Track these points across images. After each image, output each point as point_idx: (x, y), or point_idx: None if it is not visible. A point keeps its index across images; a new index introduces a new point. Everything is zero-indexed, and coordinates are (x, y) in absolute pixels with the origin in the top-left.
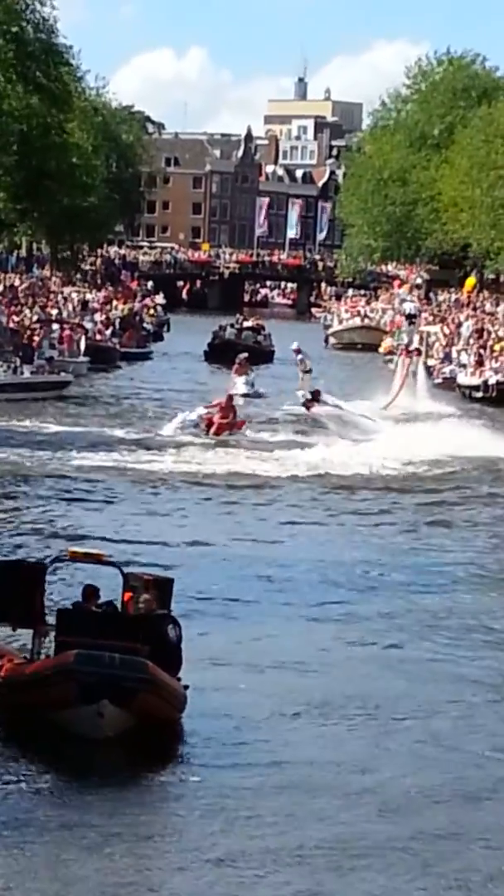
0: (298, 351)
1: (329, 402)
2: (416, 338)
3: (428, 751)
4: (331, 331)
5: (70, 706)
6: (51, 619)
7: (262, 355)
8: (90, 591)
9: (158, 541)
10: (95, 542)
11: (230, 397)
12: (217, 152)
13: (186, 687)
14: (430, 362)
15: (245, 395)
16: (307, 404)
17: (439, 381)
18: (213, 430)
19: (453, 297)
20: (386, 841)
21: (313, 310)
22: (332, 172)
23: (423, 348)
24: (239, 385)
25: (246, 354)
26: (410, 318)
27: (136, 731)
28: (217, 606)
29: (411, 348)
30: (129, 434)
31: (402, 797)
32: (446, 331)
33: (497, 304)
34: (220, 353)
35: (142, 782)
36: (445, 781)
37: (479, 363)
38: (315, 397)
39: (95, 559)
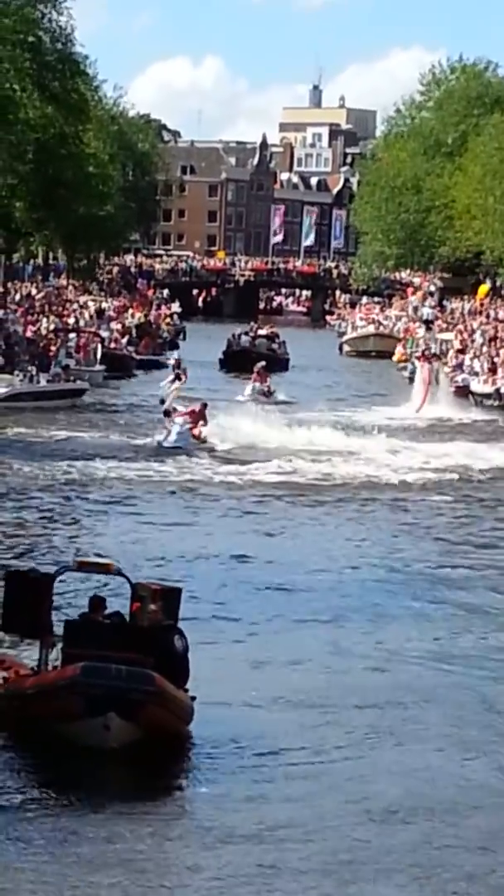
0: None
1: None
2: (433, 343)
3: (440, 762)
4: (345, 338)
5: (77, 718)
6: (59, 630)
7: (276, 363)
8: (97, 602)
9: (169, 549)
10: (107, 550)
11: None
12: (232, 160)
13: (194, 698)
14: (444, 370)
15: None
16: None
17: (452, 388)
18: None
19: (466, 304)
20: (391, 854)
21: (328, 317)
22: (347, 180)
23: (440, 354)
24: (247, 390)
25: (264, 363)
26: (428, 323)
27: (143, 743)
28: (226, 616)
29: (429, 353)
30: (141, 442)
31: (411, 810)
32: (459, 339)
33: None
34: (235, 362)
35: (148, 794)
36: (455, 793)
37: (493, 371)
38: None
39: (103, 569)
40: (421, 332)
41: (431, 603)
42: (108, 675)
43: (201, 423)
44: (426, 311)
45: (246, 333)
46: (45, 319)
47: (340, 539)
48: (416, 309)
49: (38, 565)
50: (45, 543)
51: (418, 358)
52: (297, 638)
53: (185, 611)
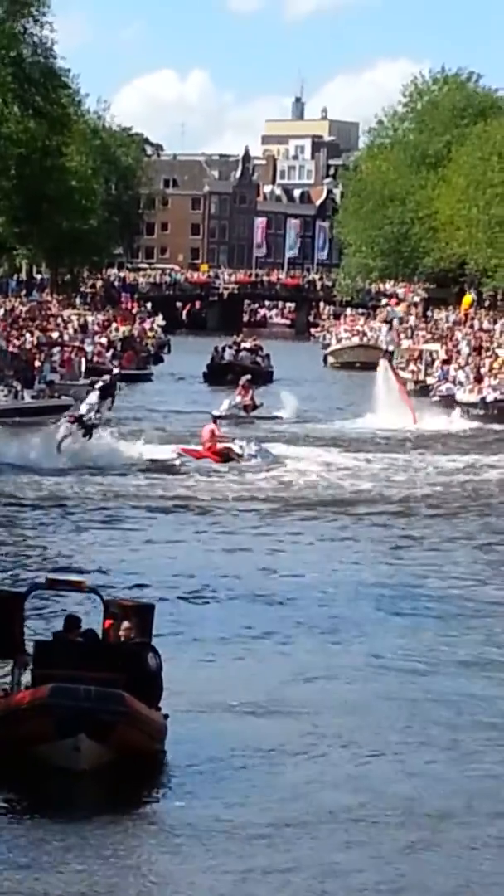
0: None
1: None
2: (391, 345)
3: (424, 770)
4: (329, 350)
5: (47, 740)
6: (31, 649)
7: (260, 376)
8: (72, 622)
9: (147, 565)
10: (84, 567)
11: (214, 424)
12: (215, 173)
13: (166, 716)
14: (429, 380)
15: (220, 417)
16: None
17: (437, 398)
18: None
19: (451, 315)
20: (372, 864)
21: (312, 329)
22: (330, 192)
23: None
24: (223, 405)
25: (249, 377)
26: (388, 322)
27: (115, 763)
28: (200, 633)
29: (387, 354)
30: (125, 458)
31: (394, 821)
32: (445, 349)
33: (494, 322)
34: (219, 375)
35: (121, 813)
36: (442, 801)
37: (478, 380)
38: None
39: (75, 586)
40: (384, 330)
41: (415, 614)
42: (78, 697)
43: (214, 447)
44: (389, 311)
45: (230, 346)
46: (28, 334)
47: (324, 553)
48: (401, 320)
49: (12, 583)
50: (21, 560)
51: (384, 356)
52: (274, 654)
53: (159, 627)
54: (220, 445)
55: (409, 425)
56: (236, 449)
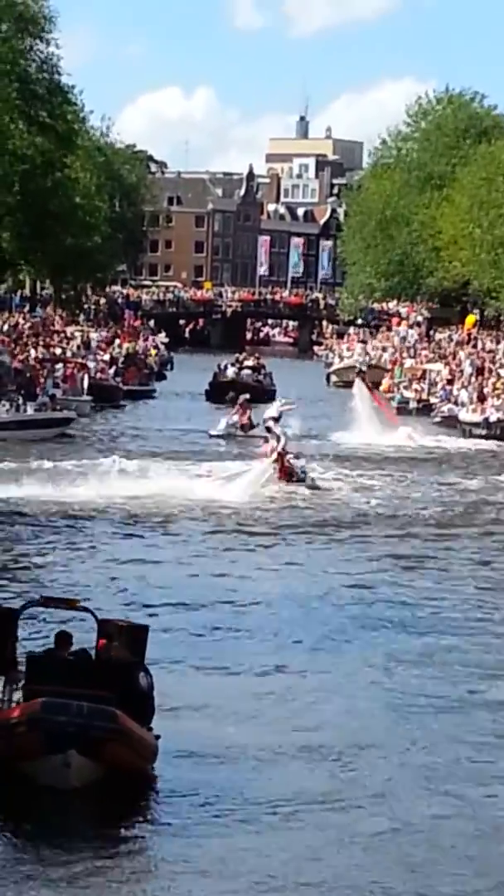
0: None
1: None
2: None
3: (413, 793)
4: (332, 369)
5: (37, 756)
6: (23, 666)
7: (263, 394)
8: (63, 638)
9: (141, 584)
10: (82, 584)
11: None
12: (219, 191)
13: (158, 737)
14: (432, 400)
15: (217, 436)
16: None
17: (439, 418)
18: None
19: (454, 334)
20: (363, 889)
21: (315, 348)
22: (334, 211)
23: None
24: (220, 424)
25: (247, 396)
26: (363, 342)
27: (105, 781)
28: (194, 652)
29: (362, 371)
30: (124, 474)
31: (381, 839)
32: (448, 369)
33: (497, 343)
34: (221, 393)
35: (110, 835)
36: (428, 820)
37: (481, 400)
38: None
39: (69, 605)
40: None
41: (415, 631)
42: (69, 712)
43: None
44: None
45: (232, 364)
46: (32, 350)
47: (315, 570)
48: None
49: (6, 599)
50: (18, 576)
51: (358, 376)
52: (269, 675)
53: (153, 647)
54: (287, 465)
55: (398, 440)
56: (298, 471)
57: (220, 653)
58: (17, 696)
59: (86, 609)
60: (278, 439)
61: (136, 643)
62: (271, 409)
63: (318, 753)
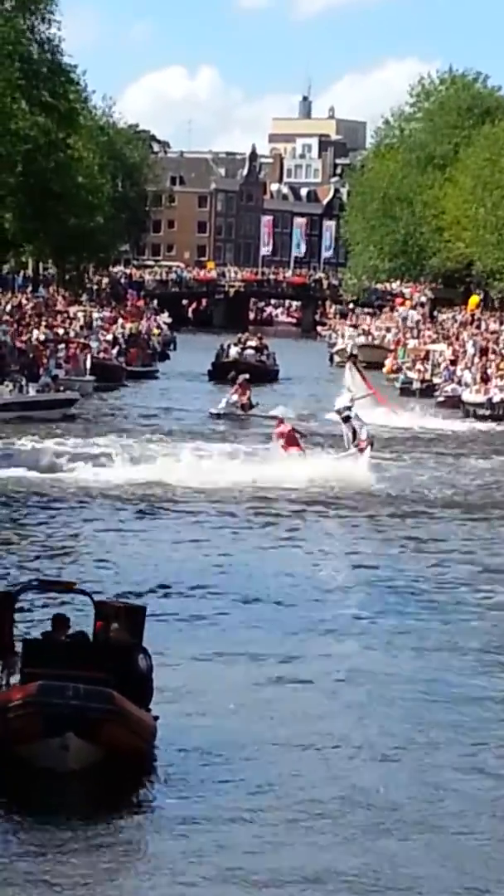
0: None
1: None
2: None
3: (420, 778)
4: (335, 349)
5: (34, 739)
6: (20, 649)
7: (265, 374)
8: (60, 621)
9: (135, 565)
10: (80, 566)
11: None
12: (222, 171)
13: (157, 718)
14: (436, 380)
15: (218, 416)
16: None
17: (442, 399)
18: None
19: (457, 315)
20: (363, 869)
21: (318, 328)
22: (337, 191)
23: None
24: (221, 403)
25: (247, 375)
26: (354, 327)
27: (103, 763)
28: (193, 633)
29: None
30: (124, 454)
31: (385, 826)
32: (451, 349)
33: (501, 323)
34: (224, 373)
35: (108, 818)
36: (426, 807)
37: (485, 381)
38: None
39: (65, 587)
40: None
41: (418, 619)
42: (66, 694)
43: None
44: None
45: (235, 344)
46: (35, 330)
47: (330, 554)
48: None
49: (7, 582)
50: (16, 557)
51: (349, 359)
52: (269, 656)
53: (150, 628)
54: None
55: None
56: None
57: (221, 635)
58: (15, 679)
59: (83, 591)
60: (355, 431)
61: (134, 625)
62: (343, 399)
63: (324, 737)
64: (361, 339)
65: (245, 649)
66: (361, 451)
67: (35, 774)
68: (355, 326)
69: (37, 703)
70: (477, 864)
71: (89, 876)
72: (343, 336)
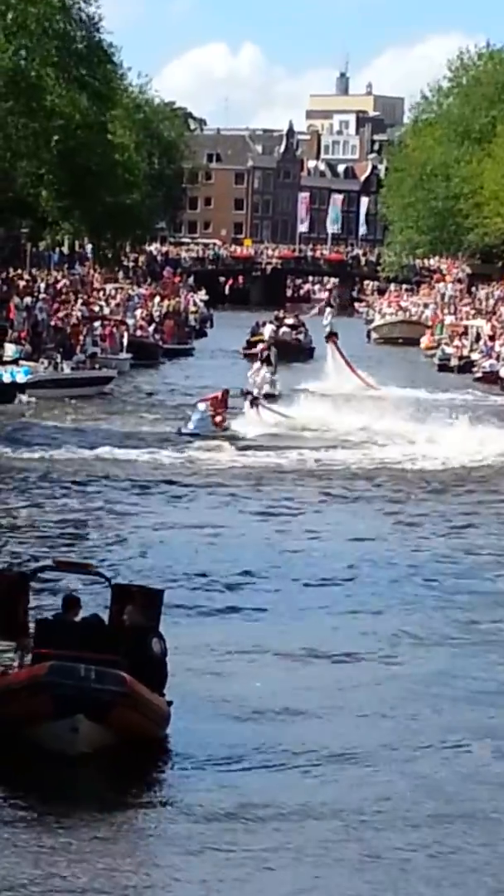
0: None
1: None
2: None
3: (430, 769)
4: (372, 325)
5: (44, 720)
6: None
7: (301, 352)
8: (72, 602)
9: (151, 547)
10: (104, 547)
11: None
12: (259, 148)
13: (170, 703)
14: (474, 356)
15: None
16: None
17: (480, 374)
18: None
19: (496, 290)
20: (373, 862)
21: (356, 304)
22: (375, 167)
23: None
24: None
25: (263, 346)
26: (331, 306)
27: (114, 747)
28: (210, 619)
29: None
30: (158, 433)
31: (391, 825)
32: (489, 325)
33: None
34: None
35: (117, 802)
36: (447, 811)
37: None
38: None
39: (82, 568)
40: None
41: (437, 598)
42: (77, 676)
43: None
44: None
45: (271, 322)
46: (71, 307)
47: (345, 534)
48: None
49: (24, 562)
50: (37, 536)
51: (327, 339)
52: (286, 641)
53: (168, 612)
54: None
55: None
56: None
57: (239, 617)
58: (28, 660)
59: (99, 573)
60: None
61: (151, 608)
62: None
63: (346, 721)
64: (388, 318)
65: (262, 631)
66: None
67: (44, 756)
68: (331, 306)
69: (47, 685)
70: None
71: (96, 861)
72: (379, 313)
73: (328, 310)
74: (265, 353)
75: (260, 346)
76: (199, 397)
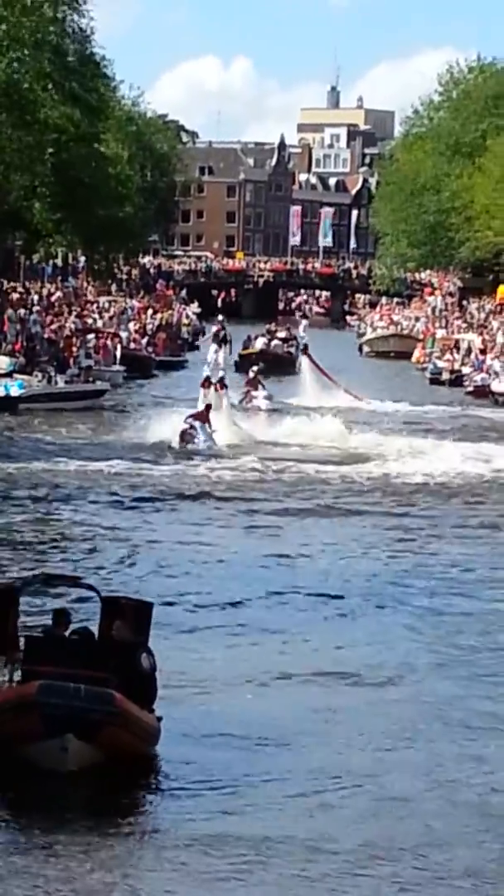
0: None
1: None
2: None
3: (422, 794)
4: (364, 339)
5: (33, 740)
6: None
7: (292, 365)
8: (61, 616)
9: (140, 560)
10: (95, 561)
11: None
12: (251, 161)
13: (160, 719)
14: (465, 370)
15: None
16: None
17: (471, 388)
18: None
19: (487, 304)
20: (365, 876)
21: (347, 318)
22: (366, 180)
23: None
24: (260, 399)
25: (259, 366)
26: (306, 318)
27: (104, 766)
28: (199, 632)
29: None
30: (150, 446)
31: (401, 828)
32: (481, 339)
33: None
34: (250, 364)
35: (111, 819)
36: (435, 825)
37: None
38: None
39: (70, 581)
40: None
41: (427, 607)
42: (66, 695)
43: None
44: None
45: (262, 335)
46: (64, 320)
47: (337, 545)
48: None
49: (14, 575)
50: (26, 550)
51: (302, 352)
52: (274, 656)
53: (157, 626)
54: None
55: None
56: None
57: (229, 630)
58: (18, 676)
59: (89, 586)
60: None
61: (141, 622)
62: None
63: (338, 737)
64: (379, 332)
65: (252, 644)
66: None
67: (32, 776)
68: (306, 317)
69: (36, 704)
70: None
71: (82, 879)
72: (371, 326)
73: (303, 322)
74: (221, 334)
75: (214, 327)
76: (188, 415)
